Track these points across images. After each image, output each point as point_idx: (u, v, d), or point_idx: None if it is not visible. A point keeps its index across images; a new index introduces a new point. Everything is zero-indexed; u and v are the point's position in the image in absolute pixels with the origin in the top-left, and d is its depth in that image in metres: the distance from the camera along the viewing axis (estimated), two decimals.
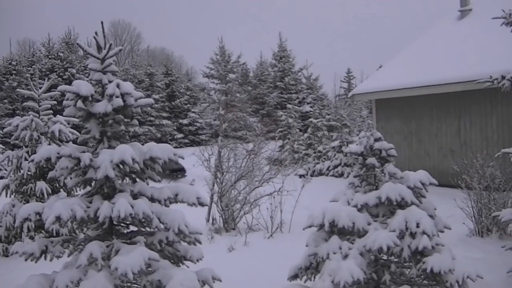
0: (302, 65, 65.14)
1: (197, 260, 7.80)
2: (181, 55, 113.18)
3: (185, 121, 54.88)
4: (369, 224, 8.23)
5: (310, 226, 8.44)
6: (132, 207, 7.00)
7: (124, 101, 7.41)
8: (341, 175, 26.14)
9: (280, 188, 15.71)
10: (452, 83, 19.84)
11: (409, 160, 22.24)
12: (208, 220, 16.03)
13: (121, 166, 7.19)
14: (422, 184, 8.51)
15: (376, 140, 8.62)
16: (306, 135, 31.96)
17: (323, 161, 28.53)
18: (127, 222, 7.72)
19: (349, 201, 8.52)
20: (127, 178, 7.87)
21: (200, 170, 16.89)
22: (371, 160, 8.53)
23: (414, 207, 8.15)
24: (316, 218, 8.30)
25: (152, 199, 7.56)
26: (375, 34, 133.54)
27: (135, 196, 7.49)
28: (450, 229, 8.81)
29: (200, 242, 7.90)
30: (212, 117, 54.31)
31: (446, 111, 21.56)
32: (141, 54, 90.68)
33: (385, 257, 8.46)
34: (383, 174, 8.60)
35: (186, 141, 53.57)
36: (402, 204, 8.23)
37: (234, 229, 15.45)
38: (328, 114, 34.13)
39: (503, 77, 11.16)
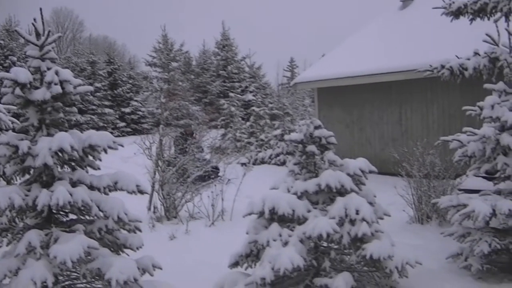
0: (245, 53, 64.97)
1: (137, 248, 7.75)
2: (124, 44, 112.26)
3: (127, 110, 54.36)
4: (309, 211, 8.28)
5: (250, 214, 8.45)
6: (71, 195, 6.92)
7: (63, 88, 7.31)
8: (283, 163, 26.16)
9: (221, 176, 15.70)
10: (393, 72, 20.02)
11: (351, 148, 22.41)
12: (149, 209, 15.92)
13: (60, 154, 7.10)
14: (362, 171, 8.59)
15: (316, 127, 8.66)
16: (248, 123, 31.94)
17: (265, 150, 28.55)
18: (66, 210, 7.63)
19: (289, 189, 8.55)
20: (66, 166, 7.78)
21: (142, 158, 16.74)
22: (311, 147, 8.57)
23: (353, 194, 8.22)
24: (256, 205, 8.32)
25: (91, 187, 7.48)
26: (319, 24, 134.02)
27: (74, 184, 7.40)
28: (389, 216, 8.90)
29: (140, 230, 7.85)
30: (154, 105, 53.89)
31: (388, 100, 21.76)
32: (83, 42, 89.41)
33: (325, 244, 8.53)
34: (323, 162, 8.64)
35: (129, 129, 53.07)
36: (342, 191, 8.29)
37: (175, 217, 15.38)
38: (271, 103, 34.19)
39: (442, 67, 11.30)
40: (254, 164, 26.63)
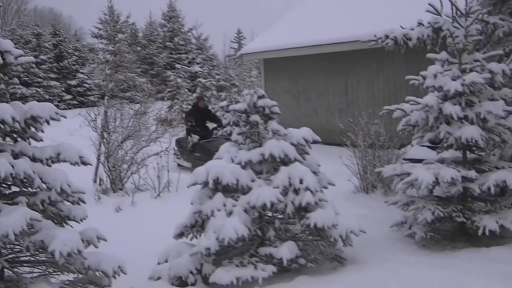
0: (192, 25, 64.66)
1: (81, 220, 7.65)
2: (70, 15, 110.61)
3: (73, 82, 53.71)
4: (253, 181, 8.29)
5: (194, 184, 8.43)
6: (13, 167, 6.81)
7: (3, 59, 7.17)
8: (229, 134, 26.11)
9: (167, 148, 15.63)
10: (339, 42, 20.03)
11: (297, 119, 22.38)
12: (95, 181, 15.82)
13: (1, 126, 6.98)
14: (306, 141, 8.61)
15: (260, 97, 8.64)
16: (195, 95, 31.82)
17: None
18: (8, 183, 7.51)
19: (233, 159, 8.54)
20: (8, 138, 7.65)
21: (87, 130, 16.55)
22: (255, 117, 8.55)
23: (297, 164, 8.24)
24: (200, 175, 8.29)
25: (34, 159, 7.36)
26: None
27: (16, 155, 7.28)
28: (334, 185, 8.95)
29: (84, 202, 7.75)
30: (101, 78, 53.38)
31: (334, 71, 21.80)
32: (28, 14, 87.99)
33: (269, 214, 8.55)
34: (266, 131, 8.63)
35: (75, 102, 52.44)
36: (286, 161, 8.31)
37: (121, 189, 15.31)
38: (218, 75, 34.14)
39: (386, 37, 11.33)
40: None
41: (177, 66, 38.39)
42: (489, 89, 9.61)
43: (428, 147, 10.54)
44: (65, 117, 7.43)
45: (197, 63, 54.59)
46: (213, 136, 20.17)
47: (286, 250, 7.90)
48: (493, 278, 7.67)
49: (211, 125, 20.60)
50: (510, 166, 9.52)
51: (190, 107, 28.75)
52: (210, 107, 23.91)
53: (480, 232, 8.89)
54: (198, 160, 16.45)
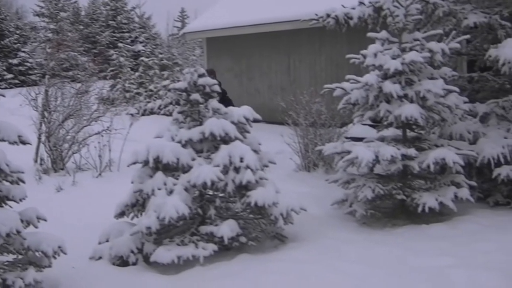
0: (135, 3, 64.17)
1: (20, 200, 7.53)
2: None
3: (15, 61, 52.89)
4: (193, 159, 8.27)
5: (134, 163, 8.38)
6: None
7: None
8: (172, 113, 26.00)
9: (108, 127, 15.47)
10: (281, 21, 20.03)
11: (240, 98, 22.30)
12: (36, 161, 15.59)
13: None
14: (246, 119, 8.60)
15: (200, 76, 8.60)
16: (137, 74, 31.57)
17: (155, 100, 28.34)
18: None
19: (173, 137, 8.48)
20: None
21: (28, 110, 16.30)
22: (195, 96, 8.51)
23: (238, 142, 8.25)
24: (140, 154, 8.24)
25: None
26: None
27: None
28: (275, 163, 8.98)
29: (23, 182, 7.63)
30: (42, 56, 52.72)
31: (277, 50, 21.81)
32: None
33: (210, 193, 8.54)
34: (207, 110, 8.60)
35: (16, 81, 51.64)
36: (226, 140, 8.30)
37: (62, 169, 15.12)
38: (161, 53, 33.97)
39: (328, 16, 11.38)
40: (143, 114, 26.37)
41: (120, 45, 38.11)
42: (429, 68, 9.71)
43: (369, 125, 10.62)
44: (3, 95, 7.31)
45: (140, 42, 54.24)
46: None
47: (227, 229, 7.91)
48: (431, 254, 7.79)
49: None
50: (450, 144, 9.64)
51: (132, 86, 28.48)
52: (153, 86, 23.63)
53: (420, 209, 9.02)
54: None
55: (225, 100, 13.86)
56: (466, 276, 6.88)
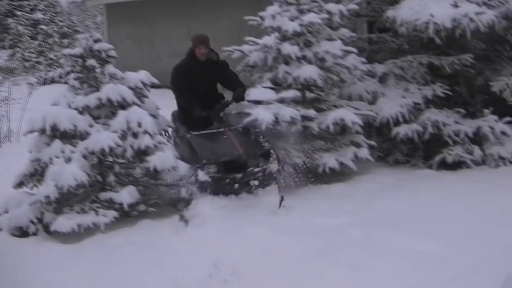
0: None
1: None
2: None
3: None
4: (91, 126, 8.16)
5: (31, 132, 8.22)
6: None
7: None
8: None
9: (6, 97, 15.11)
10: None
11: (142, 64, 21.76)
12: None
13: None
14: (144, 84, 8.56)
15: (96, 41, 8.50)
16: (37, 42, 30.89)
17: (55, 69, 27.80)
18: None
19: (70, 104, 8.35)
20: None
21: None
22: (91, 61, 8.40)
23: (135, 107, 8.20)
24: (36, 122, 8.09)
25: None
26: None
27: None
28: (173, 128, 8.93)
29: None
30: None
31: (177, 15, 21.55)
32: None
33: (109, 159, 8.44)
34: (103, 76, 8.48)
35: None
36: (124, 105, 8.23)
37: None
38: (61, 21, 33.23)
39: None
40: (44, 83, 25.85)
41: (18, 13, 37.02)
42: (327, 29, 9.78)
43: (271, 88, 10.62)
44: None
45: (39, 10, 53.00)
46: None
47: (126, 195, 7.91)
48: (332, 214, 7.89)
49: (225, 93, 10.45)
50: (349, 104, 9.75)
51: (32, 55, 27.69)
52: (53, 55, 23.02)
53: (320, 169, 9.13)
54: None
55: (229, 73, 9.75)
56: (364, 234, 7.02)
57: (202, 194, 8.40)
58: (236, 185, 8.40)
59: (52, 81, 26.92)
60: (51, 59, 28.77)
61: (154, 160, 7.96)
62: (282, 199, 8.38)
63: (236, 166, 8.50)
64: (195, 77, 9.44)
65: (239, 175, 8.40)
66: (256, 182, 8.50)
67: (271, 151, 8.81)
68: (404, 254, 6.31)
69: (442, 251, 6.29)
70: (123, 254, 7.13)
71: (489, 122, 9.57)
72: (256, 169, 8.52)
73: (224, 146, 8.72)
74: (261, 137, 8.99)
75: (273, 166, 8.67)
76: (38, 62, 29.39)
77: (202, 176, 8.28)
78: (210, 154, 8.53)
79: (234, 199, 8.41)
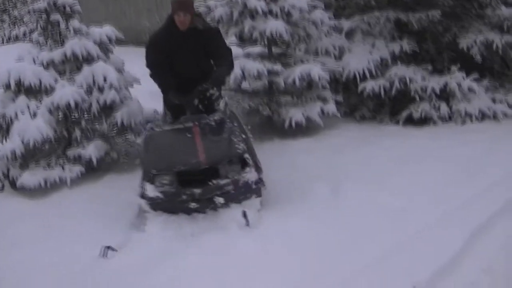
0: None
1: None
2: None
3: None
4: (56, 81, 8.12)
5: None
6: None
7: None
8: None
9: None
10: None
11: (107, 21, 21.81)
12: None
13: None
14: (109, 39, 8.51)
15: None
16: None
17: (19, 27, 27.48)
18: None
19: (35, 60, 8.30)
20: None
21: None
22: (55, 16, 8.33)
23: (101, 62, 8.19)
24: (1, 78, 8.04)
25: None
26: None
27: None
28: (140, 84, 8.87)
29: None
30: None
31: None
32: None
33: (76, 115, 8.39)
34: (68, 31, 8.41)
35: None
36: (89, 60, 8.21)
37: None
38: None
39: None
40: (8, 42, 25.58)
41: None
42: None
43: (236, 44, 10.56)
44: None
45: None
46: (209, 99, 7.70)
47: (93, 150, 7.93)
48: (295, 168, 7.90)
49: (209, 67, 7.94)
50: (316, 59, 9.72)
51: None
52: (17, 12, 22.63)
53: (286, 124, 9.12)
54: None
55: (216, 45, 7.37)
56: (329, 189, 7.07)
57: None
58: (193, 204, 6.39)
59: (17, 39, 26.63)
60: (15, 17, 28.39)
61: (120, 115, 7.97)
62: (244, 214, 6.29)
63: (196, 178, 6.45)
64: (174, 51, 7.25)
65: (198, 191, 6.36)
66: (221, 200, 6.36)
67: (246, 155, 6.64)
68: (371, 208, 6.37)
69: (405, 205, 6.36)
70: (90, 208, 7.14)
71: (456, 78, 9.56)
72: (223, 182, 6.41)
73: (183, 149, 6.67)
74: (237, 133, 6.81)
75: (250, 176, 6.55)
76: (1, 20, 29.02)
77: (151, 191, 6.43)
78: (162, 162, 6.66)
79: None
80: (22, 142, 7.57)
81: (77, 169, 7.88)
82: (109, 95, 7.90)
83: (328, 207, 6.57)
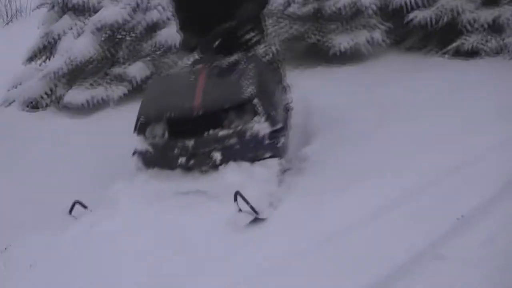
0: None
1: None
2: None
3: None
4: (100, 1, 8.08)
5: (41, 5, 8.20)
6: None
7: None
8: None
9: None
10: None
11: None
12: None
13: None
14: None
15: None
16: None
17: None
18: None
19: None
20: None
21: None
22: None
23: None
24: None
25: None
26: None
27: None
28: None
29: None
30: None
31: None
32: None
33: (120, 35, 8.37)
34: None
35: None
36: None
37: None
38: None
39: None
40: None
41: None
42: None
43: None
44: None
45: None
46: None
47: (137, 70, 7.94)
48: (336, 95, 7.78)
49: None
50: None
51: None
52: None
53: (332, 51, 8.94)
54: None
55: None
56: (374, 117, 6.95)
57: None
58: (183, 159, 5.09)
59: None
60: None
61: (164, 34, 7.95)
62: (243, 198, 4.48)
63: (191, 127, 5.16)
64: None
65: (191, 142, 5.09)
66: (219, 156, 5.03)
67: (255, 100, 5.06)
68: (413, 139, 6.25)
69: (448, 134, 6.22)
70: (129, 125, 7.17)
71: (509, 11, 9.33)
72: (222, 132, 5.07)
73: (179, 94, 5.47)
74: (249, 75, 5.21)
75: (260, 127, 5.05)
76: None
77: (140, 143, 5.28)
78: (153, 108, 5.43)
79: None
80: (67, 61, 7.59)
81: (121, 89, 7.90)
82: (153, 16, 7.88)
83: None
